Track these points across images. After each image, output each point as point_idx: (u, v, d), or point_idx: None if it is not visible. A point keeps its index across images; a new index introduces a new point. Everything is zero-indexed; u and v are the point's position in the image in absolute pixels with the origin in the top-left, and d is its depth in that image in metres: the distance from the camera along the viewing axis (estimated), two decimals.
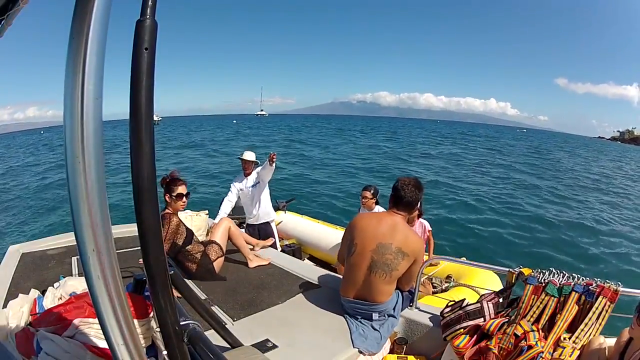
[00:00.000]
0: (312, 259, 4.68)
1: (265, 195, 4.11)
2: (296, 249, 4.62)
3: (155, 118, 0.66)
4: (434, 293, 3.46)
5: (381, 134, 44.95)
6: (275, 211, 4.65)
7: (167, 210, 2.53)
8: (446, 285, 3.66)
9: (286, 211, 5.40)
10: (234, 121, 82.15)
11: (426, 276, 3.70)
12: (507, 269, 1.95)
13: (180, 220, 2.53)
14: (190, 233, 2.59)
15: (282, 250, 4.18)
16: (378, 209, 3.66)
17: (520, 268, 1.88)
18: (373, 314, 2.04)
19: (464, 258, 4.27)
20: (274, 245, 3.74)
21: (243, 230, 4.34)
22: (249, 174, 4.04)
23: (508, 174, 16.24)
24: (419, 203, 3.61)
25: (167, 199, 2.51)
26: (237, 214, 4.51)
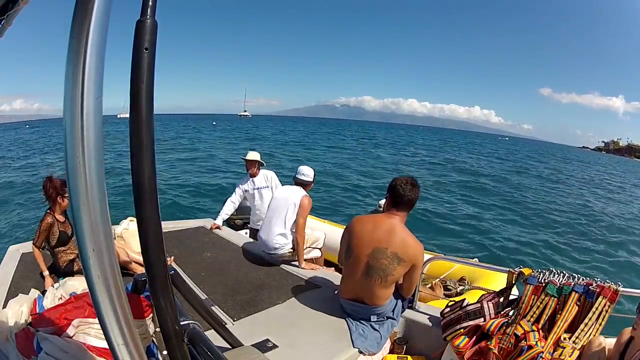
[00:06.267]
0: (327, 263, 4.54)
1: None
2: None
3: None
4: (447, 297, 3.24)
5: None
6: None
7: (48, 211, 2.62)
8: (461, 288, 3.50)
9: None
10: (213, 122, 74.01)
11: (438, 279, 3.53)
12: (507, 269, 1.95)
13: (56, 221, 2.61)
14: (63, 234, 2.64)
15: None
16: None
17: (521, 268, 1.88)
18: (371, 316, 2.04)
19: (476, 260, 4.10)
20: None
21: (247, 231, 4.26)
22: (254, 174, 3.94)
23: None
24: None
25: (59, 200, 2.60)
26: (242, 213, 4.38)
